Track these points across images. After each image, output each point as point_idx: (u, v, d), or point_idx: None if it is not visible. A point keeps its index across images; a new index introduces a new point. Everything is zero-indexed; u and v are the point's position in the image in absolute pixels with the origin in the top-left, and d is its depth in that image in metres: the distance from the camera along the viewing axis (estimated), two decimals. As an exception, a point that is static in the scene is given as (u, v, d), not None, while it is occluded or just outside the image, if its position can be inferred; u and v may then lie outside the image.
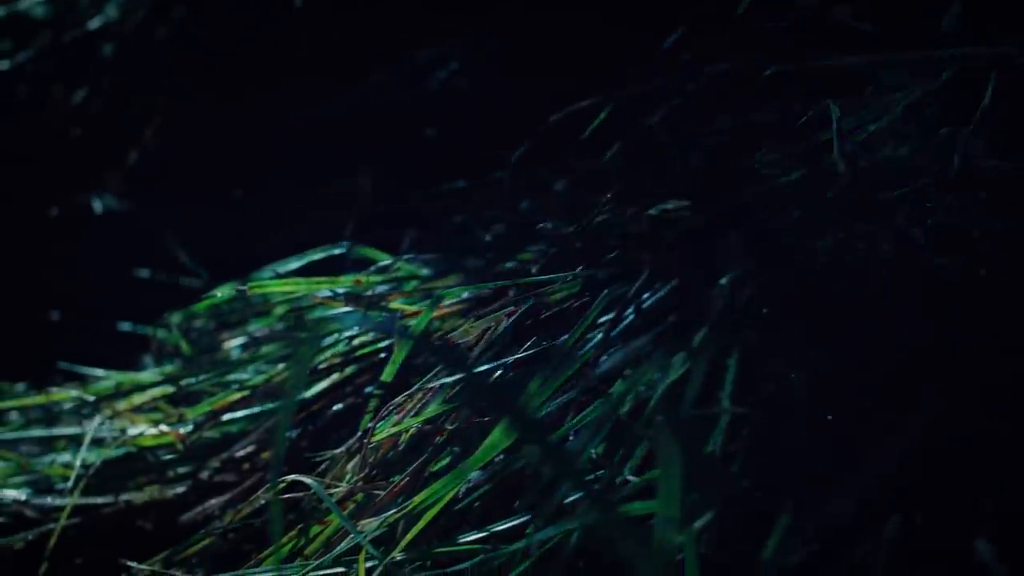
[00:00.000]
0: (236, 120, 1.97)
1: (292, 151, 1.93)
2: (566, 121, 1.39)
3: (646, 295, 1.04)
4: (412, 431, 1.09)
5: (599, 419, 0.94)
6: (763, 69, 1.24)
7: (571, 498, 0.91)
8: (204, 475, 1.34)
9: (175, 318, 1.55)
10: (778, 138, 1.17)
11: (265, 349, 1.38)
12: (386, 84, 1.86)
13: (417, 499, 0.99)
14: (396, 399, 1.10)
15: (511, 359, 1.07)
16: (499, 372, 1.07)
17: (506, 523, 0.96)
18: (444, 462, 1.05)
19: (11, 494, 1.37)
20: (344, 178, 1.81)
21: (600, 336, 1.02)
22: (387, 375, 1.13)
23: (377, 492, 1.05)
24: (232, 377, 1.37)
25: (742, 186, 1.14)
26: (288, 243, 1.44)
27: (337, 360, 1.27)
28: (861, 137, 1.11)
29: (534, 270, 1.22)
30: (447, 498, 0.99)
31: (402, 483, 1.04)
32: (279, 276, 1.38)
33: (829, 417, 0.90)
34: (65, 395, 1.46)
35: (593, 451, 0.95)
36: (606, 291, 1.07)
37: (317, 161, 1.89)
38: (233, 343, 1.46)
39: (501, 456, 1.00)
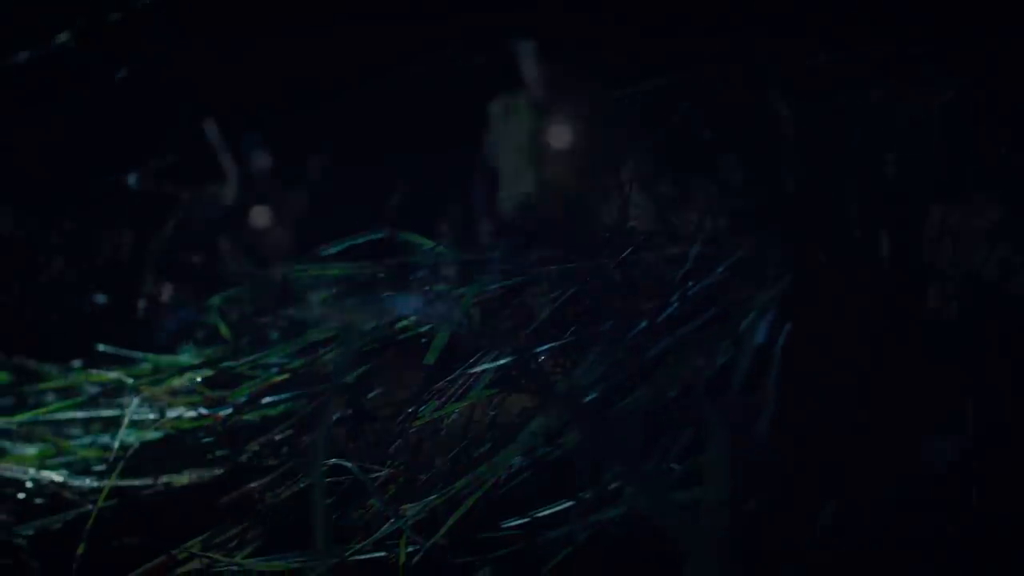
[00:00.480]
0: (274, 103, 1.97)
1: (330, 140, 1.93)
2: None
3: (691, 283, 1.03)
4: (454, 416, 1.08)
5: (645, 405, 0.94)
6: (802, 60, 1.23)
7: (615, 484, 0.91)
8: (243, 458, 1.34)
9: (215, 301, 1.56)
10: (817, 130, 1.16)
11: (306, 333, 1.38)
12: (422, 78, 1.87)
13: (459, 484, 0.99)
14: (438, 383, 1.10)
15: (555, 344, 1.06)
16: (543, 357, 1.06)
17: (549, 509, 0.96)
18: (486, 447, 1.04)
19: (50, 475, 1.37)
20: (383, 166, 1.81)
21: (645, 323, 1.01)
22: (429, 359, 1.12)
23: (418, 477, 1.05)
24: (272, 360, 1.37)
25: (781, 179, 1.13)
26: (329, 229, 1.43)
27: (378, 343, 1.27)
28: (900, 130, 1.10)
29: (576, 257, 1.22)
30: (489, 484, 0.99)
31: (444, 468, 1.04)
32: (321, 260, 1.37)
33: (874, 406, 0.89)
34: (105, 377, 1.47)
35: (638, 437, 0.94)
36: (651, 278, 1.06)
37: (357, 147, 1.89)
38: (274, 327, 1.46)
39: (543, 442, 0.99)
